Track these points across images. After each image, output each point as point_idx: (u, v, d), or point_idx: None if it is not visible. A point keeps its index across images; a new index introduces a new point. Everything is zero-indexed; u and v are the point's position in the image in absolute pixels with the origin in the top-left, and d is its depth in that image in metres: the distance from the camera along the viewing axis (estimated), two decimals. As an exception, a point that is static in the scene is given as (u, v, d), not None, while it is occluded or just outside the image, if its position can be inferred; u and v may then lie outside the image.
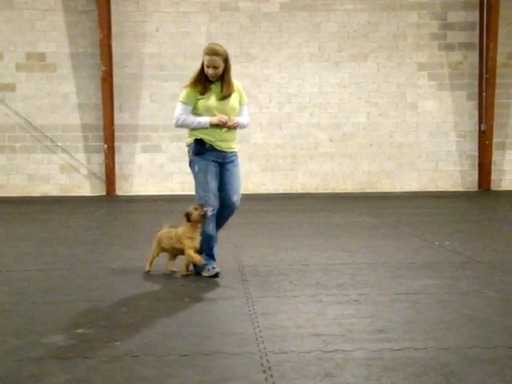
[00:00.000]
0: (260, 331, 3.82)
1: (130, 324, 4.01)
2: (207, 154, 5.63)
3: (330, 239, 7.51)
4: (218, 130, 5.51)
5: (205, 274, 5.48)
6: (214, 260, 5.64)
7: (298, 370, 3.15)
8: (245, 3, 14.54)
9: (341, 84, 14.87)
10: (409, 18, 14.81)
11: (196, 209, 5.45)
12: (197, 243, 5.43)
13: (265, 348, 3.50)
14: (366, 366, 3.20)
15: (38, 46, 14.24)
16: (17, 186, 14.44)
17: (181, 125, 5.63)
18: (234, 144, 5.70)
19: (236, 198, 5.80)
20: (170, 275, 5.55)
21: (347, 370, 3.16)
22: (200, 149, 5.61)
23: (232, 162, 5.76)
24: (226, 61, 5.46)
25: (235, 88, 5.61)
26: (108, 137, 14.24)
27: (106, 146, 14.24)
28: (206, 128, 5.51)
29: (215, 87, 5.56)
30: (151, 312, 4.32)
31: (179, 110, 5.59)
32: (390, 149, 15.06)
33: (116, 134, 14.43)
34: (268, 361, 3.29)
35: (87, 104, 14.40)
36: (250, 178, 14.84)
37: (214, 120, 5.44)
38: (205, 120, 5.48)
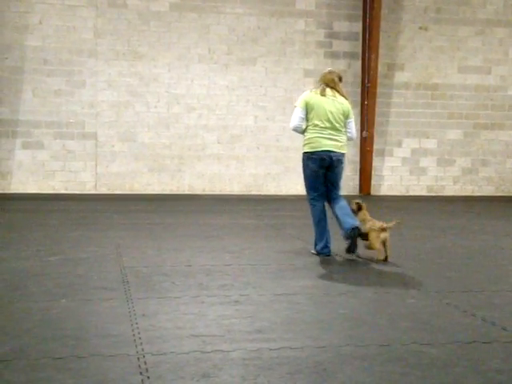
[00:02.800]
0: (139, 333, 3.77)
1: (1, 327, 3.83)
2: None
3: (214, 241, 7.53)
4: None
5: None
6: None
7: (175, 371, 3.13)
8: (133, 1, 14.32)
9: (229, 86, 14.98)
10: (296, 25, 15.15)
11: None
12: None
13: (143, 349, 3.45)
14: (244, 366, 3.23)
15: None
16: None
17: None
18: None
19: None
20: (43, 275, 5.35)
21: (225, 370, 3.17)
22: None
23: None
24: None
25: None
26: (-15, 131, 13.57)
27: (-17, 141, 13.56)
28: None
29: None
30: (24, 314, 4.15)
31: None
32: (276, 152, 15.33)
33: (-6, 128, 13.78)
34: (145, 362, 3.25)
35: (-37, 97, 13.66)
36: (136, 178, 14.63)
37: None
38: None
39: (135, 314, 4.18)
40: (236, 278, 5.45)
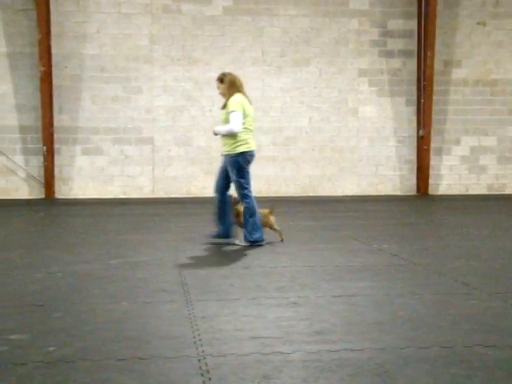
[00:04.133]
0: (199, 334, 3.80)
1: (66, 329, 3.93)
2: None
3: (271, 242, 7.53)
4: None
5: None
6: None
7: (236, 373, 3.15)
8: (187, 6, 14.49)
9: (283, 88, 14.98)
10: (350, 24, 15.05)
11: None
12: None
13: (203, 351, 3.48)
14: (304, 368, 3.22)
15: (-26, 45, 13.84)
16: (-49, 188, 14.00)
17: None
18: (226, 147, 7.27)
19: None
20: (105, 278, 5.46)
21: (285, 372, 3.17)
22: None
23: (226, 161, 7.39)
24: (222, 82, 7.36)
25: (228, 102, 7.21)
26: (47, 139, 13.94)
27: (44, 148, 13.93)
28: None
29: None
30: (87, 316, 4.25)
31: None
32: (331, 153, 15.25)
33: (55, 135, 14.15)
34: (206, 364, 3.27)
35: (25, 105, 14.08)
36: (192, 182, 14.78)
37: None
38: None
39: (195, 316, 4.22)
40: (293, 279, 5.44)
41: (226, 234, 7.50)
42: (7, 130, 14.07)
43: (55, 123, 14.13)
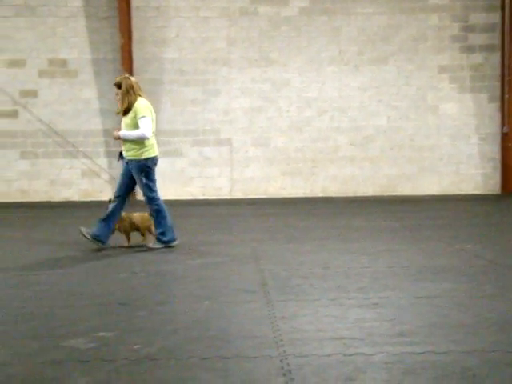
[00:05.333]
0: (280, 334, 3.82)
1: (150, 327, 4.03)
2: (123, 160, 7.33)
3: (350, 243, 7.47)
4: (123, 142, 7.19)
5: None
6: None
7: (318, 374, 3.14)
8: (264, 8, 14.56)
9: (361, 87, 14.82)
10: (429, 20, 14.73)
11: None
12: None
13: (285, 351, 3.50)
14: (387, 370, 3.18)
15: (60, 53, 14.38)
16: (39, 191, 14.57)
17: None
18: (132, 152, 7.12)
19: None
20: (186, 278, 5.56)
21: (368, 373, 3.14)
22: (120, 155, 7.40)
23: (130, 166, 7.20)
24: (120, 87, 7.07)
25: (132, 107, 7.04)
26: (129, 142, 14.32)
27: (126, 150, 14.31)
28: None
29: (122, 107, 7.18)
30: (171, 315, 4.34)
31: None
32: (410, 152, 14.97)
33: (137, 138, 14.51)
34: (288, 364, 3.28)
35: (108, 109, 14.50)
36: (270, 182, 14.84)
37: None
38: None
39: (275, 316, 4.24)
40: (374, 280, 5.38)
41: (103, 236, 7.26)
42: (91, 134, 14.54)
43: (136, 126, 14.49)
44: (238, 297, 4.86)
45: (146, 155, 7.17)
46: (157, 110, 14.55)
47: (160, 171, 14.55)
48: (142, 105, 7.08)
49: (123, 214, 7.39)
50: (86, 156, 14.56)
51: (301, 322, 4.11)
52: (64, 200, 14.46)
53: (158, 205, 7.23)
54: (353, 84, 14.79)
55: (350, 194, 14.78)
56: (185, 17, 14.49)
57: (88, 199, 14.51)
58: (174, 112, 14.63)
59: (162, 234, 7.25)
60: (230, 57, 14.55)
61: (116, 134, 7.18)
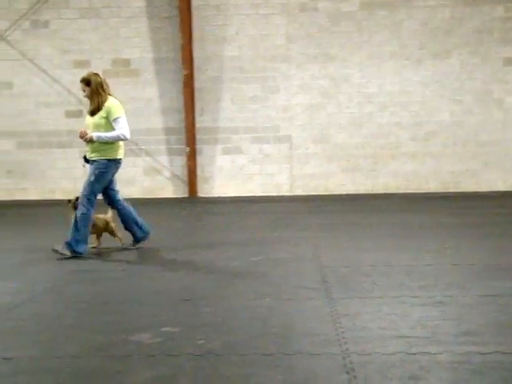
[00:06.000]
0: (342, 332, 3.80)
1: (213, 323, 4.07)
2: (89, 163, 7.02)
3: (412, 240, 7.36)
4: (88, 143, 6.84)
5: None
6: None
7: (381, 372, 3.12)
8: (324, 3, 14.47)
9: (422, 82, 14.55)
10: (494, 11, 14.33)
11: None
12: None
13: (347, 349, 3.48)
14: (453, 370, 3.13)
15: (123, 53, 14.66)
16: (103, 188, 14.89)
17: None
18: (98, 154, 6.79)
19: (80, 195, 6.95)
20: (247, 275, 5.59)
21: (433, 372, 3.10)
22: (84, 159, 7.10)
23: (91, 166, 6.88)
24: (89, 84, 6.71)
25: (103, 106, 6.69)
26: (190, 139, 14.49)
27: (188, 148, 14.49)
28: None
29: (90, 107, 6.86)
30: (233, 312, 4.37)
31: None
32: (474, 147, 14.62)
33: (197, 136, 14.66)
34: (351, 362, 3.27)
35: (169, 108, 14.71)
36: (330, 179, 14.76)
37: (79, 134, 6.83)
38: None
39: (337, 314, 4.22)
40: (438, 278, 5.29)
41: (144, 233, 7.18)
42: (153, 132, 14.77)
43: (197, 124, 14.64)
44: (300, 294, 4.86)
45: (112, 155, 6.81)
46: (217, 108, 14.74)
47: (220, 168, 14.75)
48: (116, 105, 6.76)
49: (96, 216, 7.09)
50: (147, 154, 14.81)
51: (363, 319, 4.08)
52: (127, 197, 14.72)
53: (89, 210, 6.76)
54: (414, 79, 14.54)
55: (412, 191, 14.55)
56: (244, 14, 14.55)
57: (150, 196, 14.75)
58: (234, 109, 14.71)
59: (78, 241, 6.61)
60: (289, 53, 14.53)
61: (89, 135, 6.69)
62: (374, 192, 14.58)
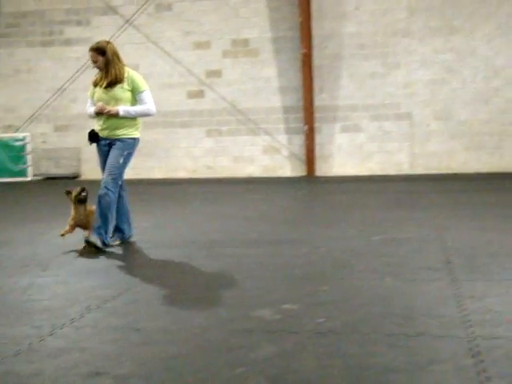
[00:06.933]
0: (467, 314, 3.68)
1: (333, 302, 4.07)
2: (100, 142, 6.12)
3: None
4: (102, 119, 5.98)
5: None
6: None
7: (510, 357, 3.00)
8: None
9: (556, 53, 13.69)
10: None
11: (73, 191, 6.11)
12: (71, 219, 6.13)
13: (473, 332, 3.37)
14: None
15: (242, 33, 14.83)
16: (223, 167, 15.23)
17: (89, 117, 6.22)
18: (123, 131, 6.00)
19: (104, 178, 6.00)
20: (367, 254, 5.53)
21: None
22: (92, 137, 6.10)
23: (114, 145, 6.03)
24: (104, 53, 5.90)
25: (124, 78, 5.96)
26: (308, 118, 14.48)
27: (306, 127, 14.49)
28: (94, 118, 6.08)
29: (102, 79, 6.02)
30: (353, 291, 4.35)
31: (87, 104, 6.23)
32: None
33: (316, 115, 14.62)
34: (477, 345, 3.16)
35: (288, 87, 14.74)
36: (453, 157, 14.26)
37: (95, 109, 5.97)
38: (90, 110, 6.09)
39: (462, 296, 4.09)
40: None
41: (126, 233, 6.31)
42: (272, 111, 14.88)
43: (316, 102, 14.59)
44: (421, 274, 4.75)
45: (136, 134, 6.14)
46: (336, 86, 14.60)
47: (339, 147, 14.63)
48: (140, 76, 6.07)
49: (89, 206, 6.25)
50: (266, 133, 14.95)
51: (490, 302, 3.93)
52: (247, 176, 14.98)
53: (114, 194, 5.95)
54: (546, 50, 13.70)
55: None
56: (367, -11, 14.24)
57: (269, 175, 14.92)
58: (353, 87, 14.51)
59: (107, 231, 5.93)
60: (410, 27, 14.11)
61: (114, 109, 5.88)
62: (500, 171, 13.94)
